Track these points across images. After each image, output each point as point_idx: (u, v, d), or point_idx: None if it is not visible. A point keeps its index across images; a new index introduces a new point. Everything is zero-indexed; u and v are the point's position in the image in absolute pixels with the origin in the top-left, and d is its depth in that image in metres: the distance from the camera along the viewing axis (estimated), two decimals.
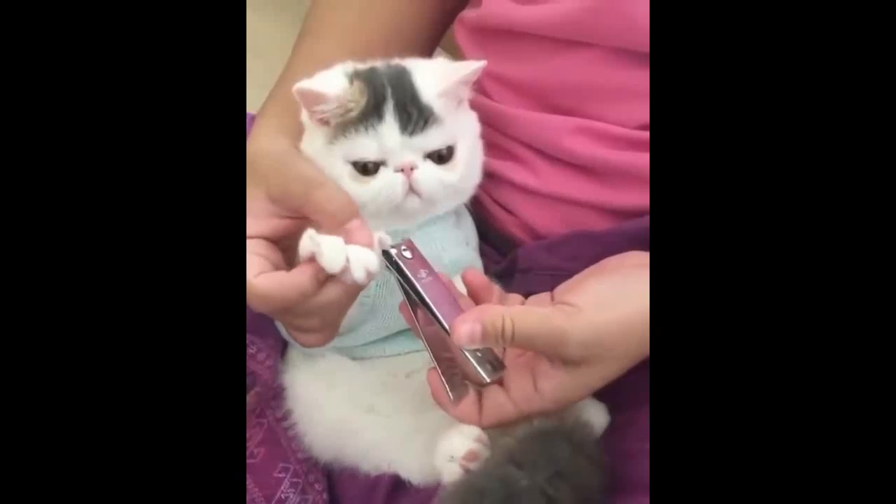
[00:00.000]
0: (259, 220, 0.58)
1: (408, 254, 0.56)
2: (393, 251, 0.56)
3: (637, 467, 0.53)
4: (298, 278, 0.55)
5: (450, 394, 0.56)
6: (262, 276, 0.55)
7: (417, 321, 0.56)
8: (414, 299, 0.56)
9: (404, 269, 0.56)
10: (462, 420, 0.56)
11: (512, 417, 0.56)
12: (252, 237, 0.58)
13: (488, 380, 0.55)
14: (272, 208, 0.59)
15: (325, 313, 0.57)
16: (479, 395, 0.56)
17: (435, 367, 0.56)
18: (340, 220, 0.56)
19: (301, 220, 0.58)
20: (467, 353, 0.55)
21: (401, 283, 0.56)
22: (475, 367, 0.55)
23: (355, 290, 0.57)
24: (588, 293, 0.56)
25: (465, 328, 0.53)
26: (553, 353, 0.54)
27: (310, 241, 0.54)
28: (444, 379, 0.56)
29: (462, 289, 0.60)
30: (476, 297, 0.58)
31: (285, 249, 0.59)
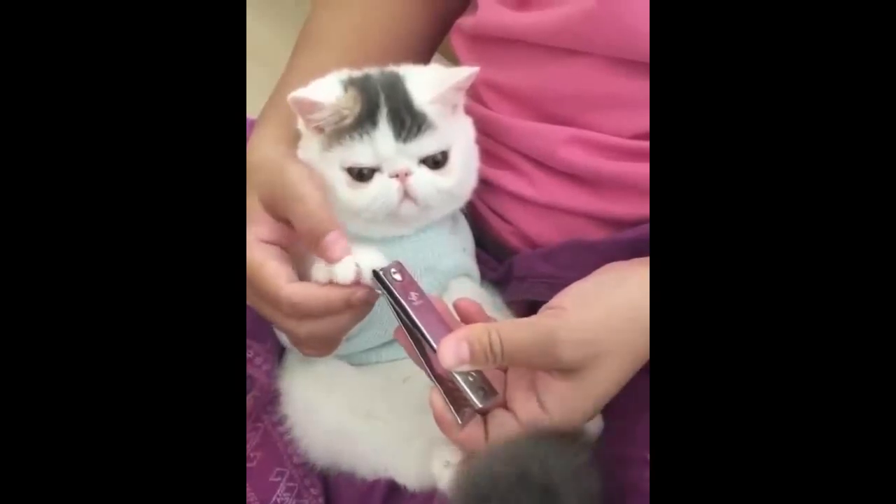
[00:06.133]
0: (268, 226, 0.58)
1: (398, 276, 0.55)
2: (382, 273, 0.55)
3: (636, 475, 0.53)
4: (332, 293, 0.55)
5: (457, 417, 0.54)
6: (295, 284, 0.56)
7: (414, 345, 0.55)
8: (408, 325, 0.55)
9: (394, 291, 0.55)
10: (467, 446, 0.55)
11: None
12: (267, 242, 0.58)
13: (480, 405, 0.52)
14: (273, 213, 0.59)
15: (330, 336, 0.58)
16: (484, 419, 0.54)
17: (437, 388, 0.55)
18: (316, 237, 0.55)
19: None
20: (458, 377, 0.52)
21: (392, 306, 0.55)
22: (467, 393, 0.52)
23: (362, 315, 0.57)
24: (571, 294, 0.56)
25: (451, 348, 0.51)
26: (548, 360, 0.52)
27: (325, 272, 0.55)
28: (448, 401, 0.54)
29: (458, 294, 0.60)
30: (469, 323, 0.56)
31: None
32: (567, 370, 0.53)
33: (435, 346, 0.53)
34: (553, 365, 0.53)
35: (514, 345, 0.52)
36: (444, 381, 0.54)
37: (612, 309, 0.54)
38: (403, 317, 0.55)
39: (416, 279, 0.56)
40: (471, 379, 0.53)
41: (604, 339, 0.53)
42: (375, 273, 0.55)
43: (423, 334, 0.54)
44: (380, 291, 0.55)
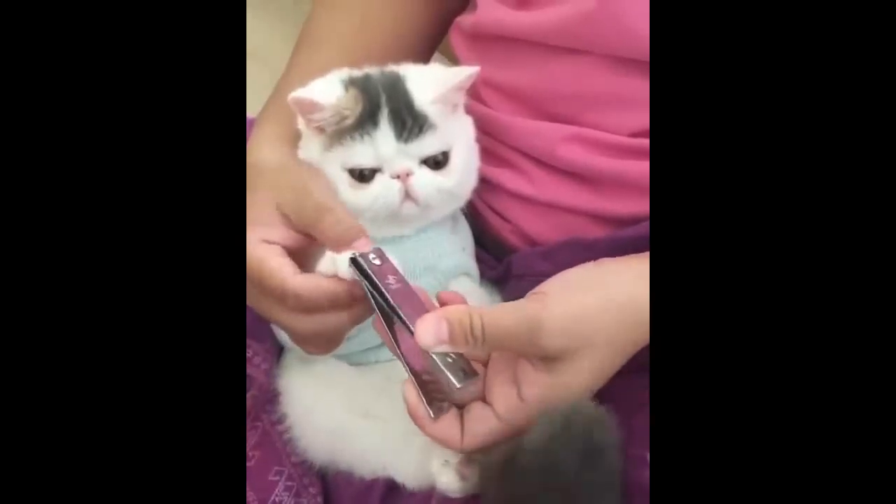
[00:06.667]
0: (273, 228, 0.58)
1: (377, 261, 0.54)
2: (360, 257, 0.54)
3: (634, 473, 0.53)
4: (340, 286, 0.55)
5: (429, 410, 0.52)
6: (301, 276, 0.55)
7: (391, 335, 0.54)
8: (385, 309, 0.53)
9: (371, 274, 0.53)
10: (441, 440, 0.53)
11: (498, 434, 0.52)
12: (272, 243, 0.58)
13: (459, 385, 0.50)
14: (284, 219, 0.59)
15: (332, 334, 0.58)
16: (461, 415, 0.53)
17: (411, 380, 0.53)
18: (345, 242, 0.55)
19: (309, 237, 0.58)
20: (436, 358, 0.50)
21: (370, 291, 0.53)
22: (445, 374, 0.50)
23: (366, 313, 0.56)
24: (559, 281, 0.55)
25: (430, 326, 0.50)
26: (531, 347, 0.51)
27: (331, 263, 0.55)
28: (421, 393, 0.52)
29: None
30: None
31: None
32: (549, 359, 0.52)
33: (412, 327, 0.51)
34: (536, 352, 0.52)
35: (496, 329, 0.50)
36: (419, 374, 0.53)
37: (599, 300, 0.53)
38: (381, 301, 0.53)
39: (415, 279, 0.56)
40: (450, 360, 0.51)
41: (588, 329, 0.52)
42: (353, 259, 0.54)
43: (399, 317, 0.52)
44: (357, 278, 0.54)
